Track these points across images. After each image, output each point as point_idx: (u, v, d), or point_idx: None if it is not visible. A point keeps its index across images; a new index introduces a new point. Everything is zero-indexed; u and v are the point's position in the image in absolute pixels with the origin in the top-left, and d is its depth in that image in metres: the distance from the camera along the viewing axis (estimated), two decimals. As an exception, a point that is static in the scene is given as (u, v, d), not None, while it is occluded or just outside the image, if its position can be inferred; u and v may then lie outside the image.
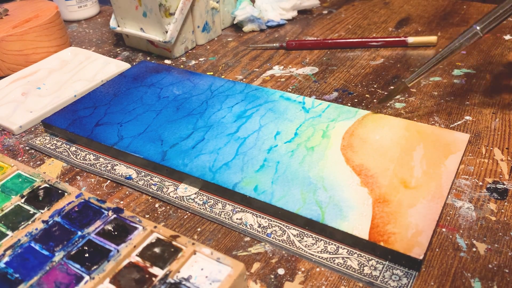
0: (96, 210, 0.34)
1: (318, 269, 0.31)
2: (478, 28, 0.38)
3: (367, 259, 0.31)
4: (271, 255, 0.32)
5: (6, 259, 0.30)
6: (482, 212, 0.34)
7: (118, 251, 0.30)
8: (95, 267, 0.29)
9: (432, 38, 0.57)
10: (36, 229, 0.32)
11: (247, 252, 0.32)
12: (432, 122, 0.44)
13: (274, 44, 0.61)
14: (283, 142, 0.40)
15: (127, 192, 0.39)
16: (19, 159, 0.44)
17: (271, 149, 0.39)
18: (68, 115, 0.47)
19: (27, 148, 0.46)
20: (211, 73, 0.56)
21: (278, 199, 0.34)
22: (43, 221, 0.33)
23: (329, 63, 0.56)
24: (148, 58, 0.61)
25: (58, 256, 0.30)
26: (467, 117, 0.44)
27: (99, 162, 0.42)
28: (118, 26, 0.63)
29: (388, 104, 0.46)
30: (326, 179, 0.36)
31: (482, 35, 0.38)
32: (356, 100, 0.48)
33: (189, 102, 0.47)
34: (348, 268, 0.30)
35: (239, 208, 0.36)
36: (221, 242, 0.33)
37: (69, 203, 0.34)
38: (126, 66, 0.57)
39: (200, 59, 0.60)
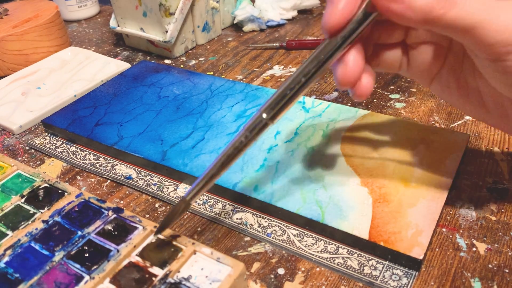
0: (96, 210, 0.34)
1: (318, 269, 0.31)
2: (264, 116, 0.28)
3: (367, 259, 0.31)
4: (271, 255, 0.32)
5: (6, 259, 0.30)
6: (482, 212, 0.34)
7: (118, 251, 0.30)
8: (95, 267, 0.29)
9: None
10: (36, 229, 0.32)
11: (247, 252, 0.32)
12: (432, 122, 0.44)
13: (274, 44, 0.60)
14: (283, 142, 0.40)
15: (127, 192, 0.39)
16: (19, 159, 0.44)
17: (271, 148, 0.39)
18: (68, 115, 0.47)
19: (27, 148, 0.46)
20: (211, 73, 0.56)
21: (278, 199, 0.34)
22: (43, 221, 0.33)
23: (329, 63, 0.56)
24: (148, 58, 0.61)
25: (58, 256, 0.30)
26: (467, 117, 0.44)
27: (99, 162, 0.42)
28: (118, 26, 0.63)
29: (388, 104, 0.46)
30: (326, 179, 0.36)
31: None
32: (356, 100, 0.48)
33: (189, 101, 0.47)
34: (348, 268, 0.30)
35: (239, 208, 0.36)
36: (221, 242, 0.33)
37: (69, 203, 0.34)
38: (126, 66, 0.57)
39: (200, 59, 0.60)
